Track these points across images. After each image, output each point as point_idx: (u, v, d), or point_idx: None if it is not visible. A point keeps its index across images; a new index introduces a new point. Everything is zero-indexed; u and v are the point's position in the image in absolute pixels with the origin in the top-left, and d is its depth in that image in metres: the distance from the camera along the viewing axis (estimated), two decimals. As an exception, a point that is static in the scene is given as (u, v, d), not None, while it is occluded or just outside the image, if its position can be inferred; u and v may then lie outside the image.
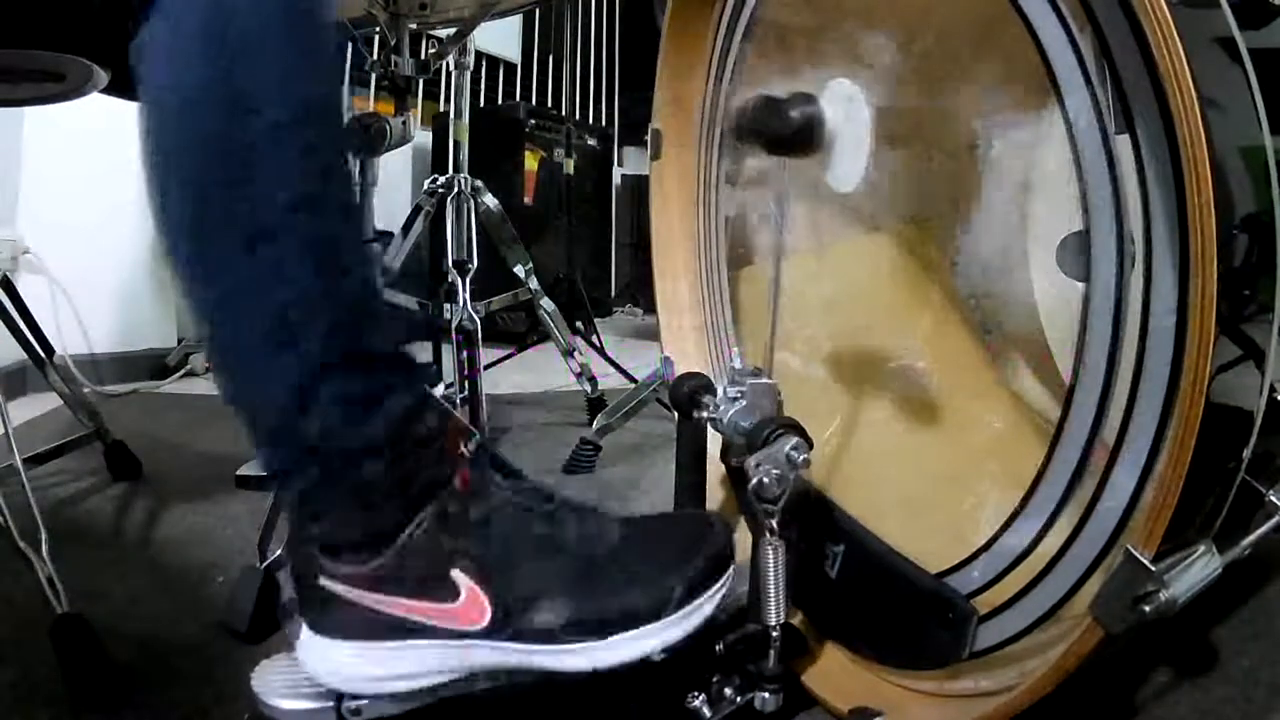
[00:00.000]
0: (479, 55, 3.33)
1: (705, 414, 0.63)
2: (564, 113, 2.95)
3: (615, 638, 0.51)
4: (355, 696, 0.53)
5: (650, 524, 0.59)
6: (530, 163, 3.05)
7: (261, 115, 0.47)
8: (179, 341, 2.09)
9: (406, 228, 1.47)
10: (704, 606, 0.53)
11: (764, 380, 0.61)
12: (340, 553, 0.52)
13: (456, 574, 0.52)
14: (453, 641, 0.52)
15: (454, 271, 1.38)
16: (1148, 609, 0.42)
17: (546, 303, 1.60)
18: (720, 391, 0.62)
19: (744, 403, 0.60)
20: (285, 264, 0.48)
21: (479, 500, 0.53)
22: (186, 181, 0.48)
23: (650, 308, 1.43)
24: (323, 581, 0.52)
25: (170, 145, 0.48)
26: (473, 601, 0.52)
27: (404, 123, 1.23)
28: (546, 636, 0.52)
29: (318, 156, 0.49)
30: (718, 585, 0.54)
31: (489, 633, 0.52)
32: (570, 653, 0.52)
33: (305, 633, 0.54)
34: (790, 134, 0.64)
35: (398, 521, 0.52)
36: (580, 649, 0.51)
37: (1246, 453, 0.45)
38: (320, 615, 0.53)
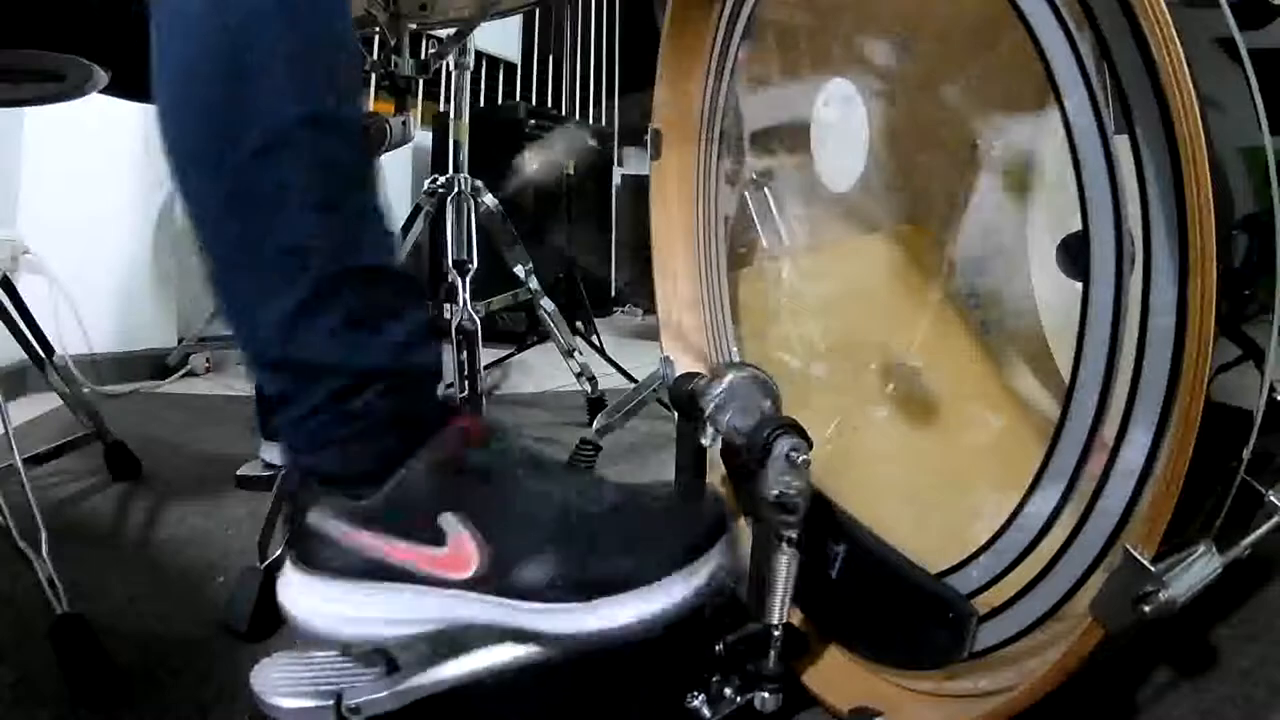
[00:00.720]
0: (479, 55, 3.33)
1: (705, 414, 0.63)
2: (564, 113, 2.95)
3: (602, 600, 0.50)
4: (355, 693, 0.53)
5: (646, 490, 0.58)
6: (530, 163, 3.04)
7: (269, 43, 0.47)
8: (179, 341, 2.09)
9: (406, 228, 1.47)
10: (698, 574, 0.51)
11: (764, 380, 0.61)
12: (334, 485, 0.51)
13: (447, 520, 0.51)
14: (436, 589, 0.51)
15: (454, 271, 1.38)
16: (1148, 609, 0.42)
17: (546, 303, 1.60)
18: (720, 391, 0.62)
19: (743, 403, 0.60)
20: (289, 176, 0.48)
21: (477, 450, 0.52)
22: (191, 97, 0.48)
23: (650, 308, 1.43)
24: (311, 516, 0.51)
25: (177, 56, 0.48)
26: (460, 550, 0.50)
27: (404, 123, 1.22)
28: (532, 594, 0.50)
29: (328, 76, 0.49)
30: (710, 555, 0.52)
31: (474, 584, 0.51)
32: (555, 613, 0.50)
33: (289, 569, 0.53)
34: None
35: (392, 457, 0.51)
36: (565, 610, 0.50)
37: (1246, 453, 0.45)
38: (306, 551, 0.52)
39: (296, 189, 0.48)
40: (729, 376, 0.62)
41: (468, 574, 0.51)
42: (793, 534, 0.56)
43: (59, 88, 0.89)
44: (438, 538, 0.51)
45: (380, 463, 0.51)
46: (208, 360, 2.07)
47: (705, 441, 0.63)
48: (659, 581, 0.50)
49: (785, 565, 0.56)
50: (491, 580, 0.51)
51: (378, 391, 0.50)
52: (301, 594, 0.52)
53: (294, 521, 0.53)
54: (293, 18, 0.48)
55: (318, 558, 0.52)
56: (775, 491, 0.55)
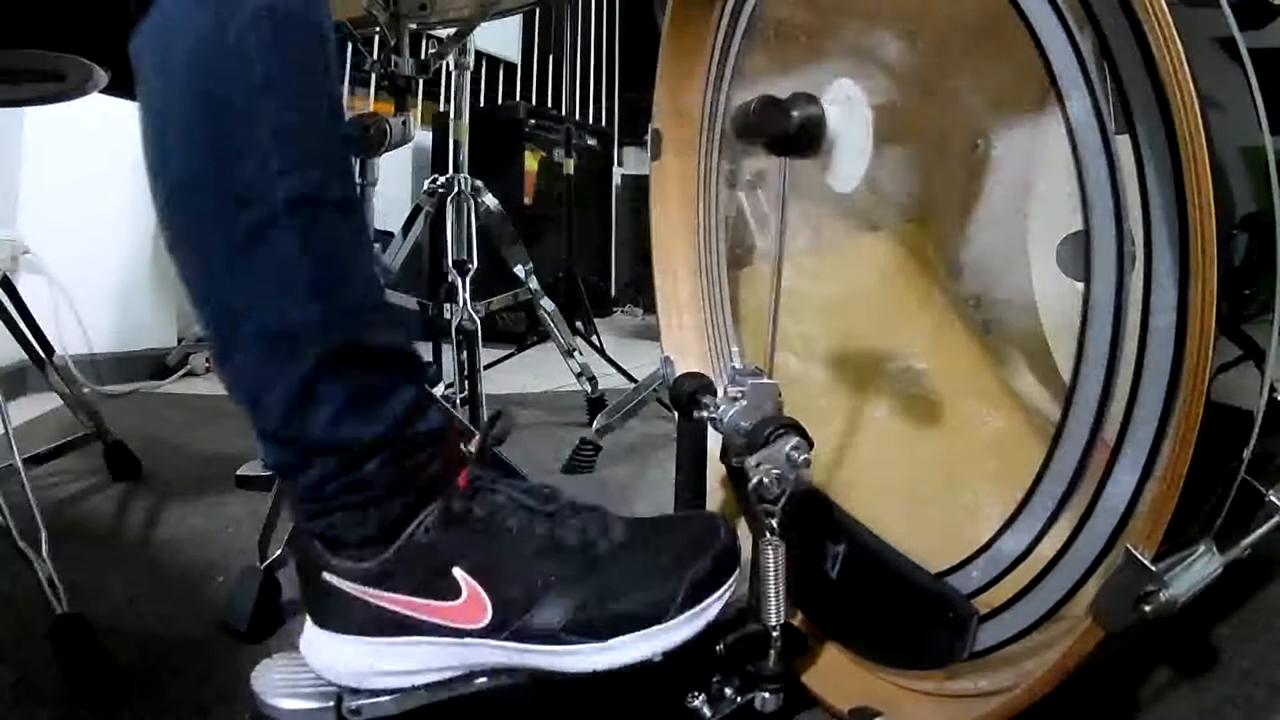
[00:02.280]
0: (479, 55, 3.33)
1: (705, 414, 0.63)
2: (564, 113, 2.95)
3: (616, 640, 0.51)
4: (356, 695, 0.53)
5: (654, 525, 0.59)
6: (530, 163, 3.05)
7: (257, 118, 0.47)
8: (179, 341, 2.09)
9: (406, 228, 1.47)
10: (708, 611, 0.53)
11: (764, 380, 0.61)
12: (342, 549, 0.52)
13: (458, 573, 0.52)
14: (453, 640, 0.52)
15: (454, 271, 1.38)
16: (1148, 609, 0.42)
17: (546, 303, 1.60)
18: (720, 391, 0.62)
19: (744, 403, 0.60)
20: (285, 261, 0.48)
21: (481, 500, 0.53)
22: (184, 181, 0.48)
23: (650, 308, 1.43)
24: (325, 577, 0.52)
25: (168, 147, 0.48)
26: (473, 600, 0.52)
27: (404, 123, 1.23)
28: (546, 637, 0.52)
29: (317, 155, 0.49)
30: (723, 589, 0.53)
31: (489, 632, 0.52)
32: (570, 654, 0.51)
33: (309, 627, 0.54)
34: (792, 134, 0.64)
35: (400, 519, 0.52)
36: (580, 651, 0.51)
37: (1247, 452, 0.45)
38: (323, 610, 0.54)
39: (292, 269, 0.48)
40: (730, 377, 0.62)
41: (483, 623, 0.52)
42: (774, 522, 0.56)
43: (59, 88, 0.89)
44: (451, 590, 0.52)
45: (387, 524, 0.52)
46: (208, 360, 2.07)
47: (704, 439, 0.63)
48: (672, 621, 0.52)
49: (773, 558, 0.56)
50: (506, 626, 0.52)
51: (382, 461, 0.51)
52: (325, 652, 0.54)
53: (307, 583, 0.54)
54: (283, 94, 0.48)
55: (335, 616, 0.53)
56: (757, 480, 0.55)
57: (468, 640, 0.52)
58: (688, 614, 0.52)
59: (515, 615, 0.52)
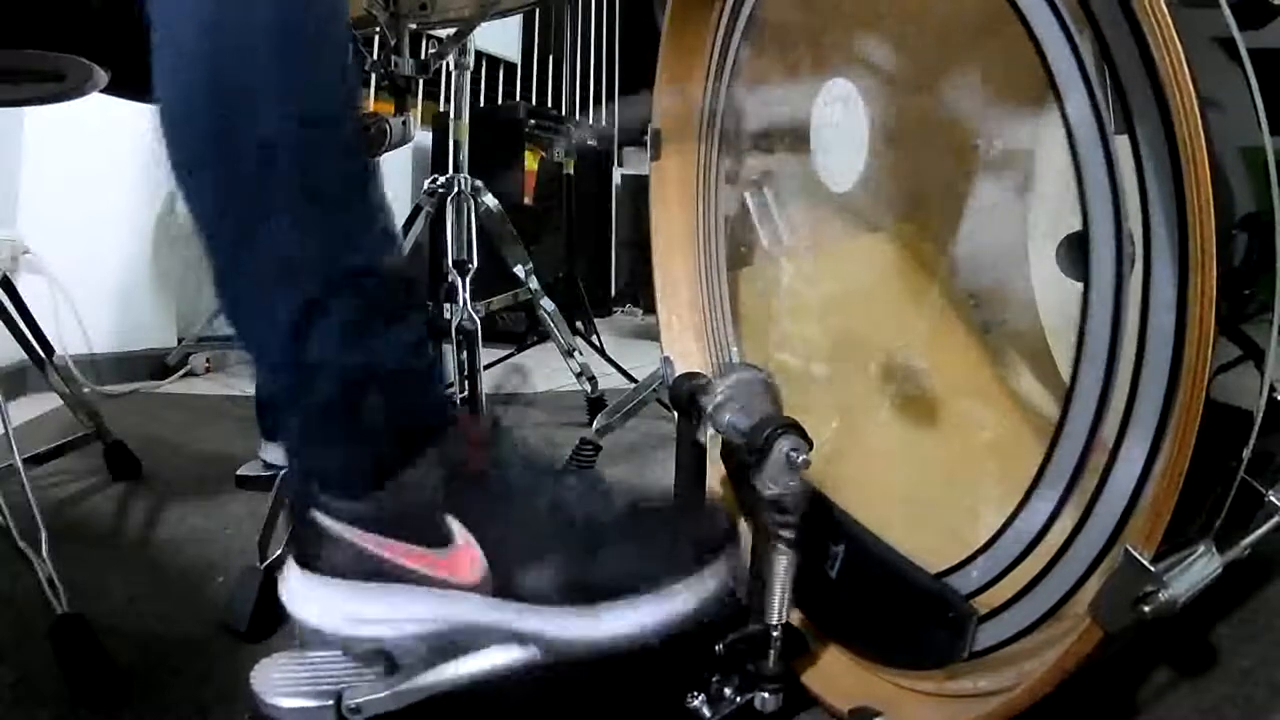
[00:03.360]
0: (479, 55, 3.33)
1: (705, 414, 0.63)
2: (564, 113, 2.95)
3: (608, 608, 0.50)
4: (355, 693, 0.53)
5: (654, 502, 0.58)
6: (530, 163, 3.05)
7: (261, 50, 0.47)
8: (179, 341, 2.09)
9: (406, 228, 1.47)
10: (702, 587, 0.52)
11: (763, 380, 0.61)
12: (336, 487, 0.51)
13: (452, 523, 0.51)
14: (440, 591, 0.51)
15: (454, 271, 1.38)
16: (1148, 609, 0.42)
17: (546, 303, 1.60)
18: (720, 391, 0.62)
19: (744, 403, 0.60)
20: (289, 180, 0.48)
21: (483, 455, 0.53)
22: (189, 108, 0.48)
23: (650, 308, 1.43)
24: (315, 516, 0.51)
25: (176, 91, 0.49)
26: (465, 553, 0.51)
27: (404, 123, 1.22)
28: (537, 599, 0.50)
29: (326, 86, 0.50)
30: (717, 567, 0.52)
31: (478, 587, 0.51)
32: (559, 618, 0.50)
33: (292, 568, 0.53)
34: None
35: (396, 459, 0.51)
36: (570, 615, 0.50)
37: (1246, 452, 0.45)
38: (309, 550, 0.52)
39: (296, 192, 0.48)
40: (730, 376, 0.62)
41: (471, 577, 0.51)
42: (789, 534, 0.56)
43: (59, 88, 0.89)
44: (441, 541, 0.51)
45: (382, 465, 0.51)
46: (208, 360, 2.07)
47: (703, 439, 0.63)
48: (664, 591, 0.50)
49: (783, 565, 0.56)
50: (495, 583, 0.51)
51: (382, 393, 0.50)
52: (303, 593, 0.53)
53: (295, 521, 0.53)
54: (290, 41, 0.48)
55: (320, 558, 0.52)
56: (771, 491, 0.55)
57: (454, 594, 0.51)
58: (682, 588, 0.51)
59: (507, 574, 0.50)
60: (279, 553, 0.76)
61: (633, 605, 0.50)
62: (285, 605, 0.53)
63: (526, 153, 3.03)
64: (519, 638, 0.52)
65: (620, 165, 3.84)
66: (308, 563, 0.53)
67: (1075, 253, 0.50)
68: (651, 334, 1.03)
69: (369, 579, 0.52)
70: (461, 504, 0.51)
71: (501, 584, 0.51)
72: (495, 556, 0.51)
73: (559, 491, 0.54)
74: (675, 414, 0.66)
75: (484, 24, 1.47)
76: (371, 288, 0.50)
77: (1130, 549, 0.43)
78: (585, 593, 0.50)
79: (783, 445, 0.56)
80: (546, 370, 1.98)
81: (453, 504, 0.51)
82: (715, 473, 0.67)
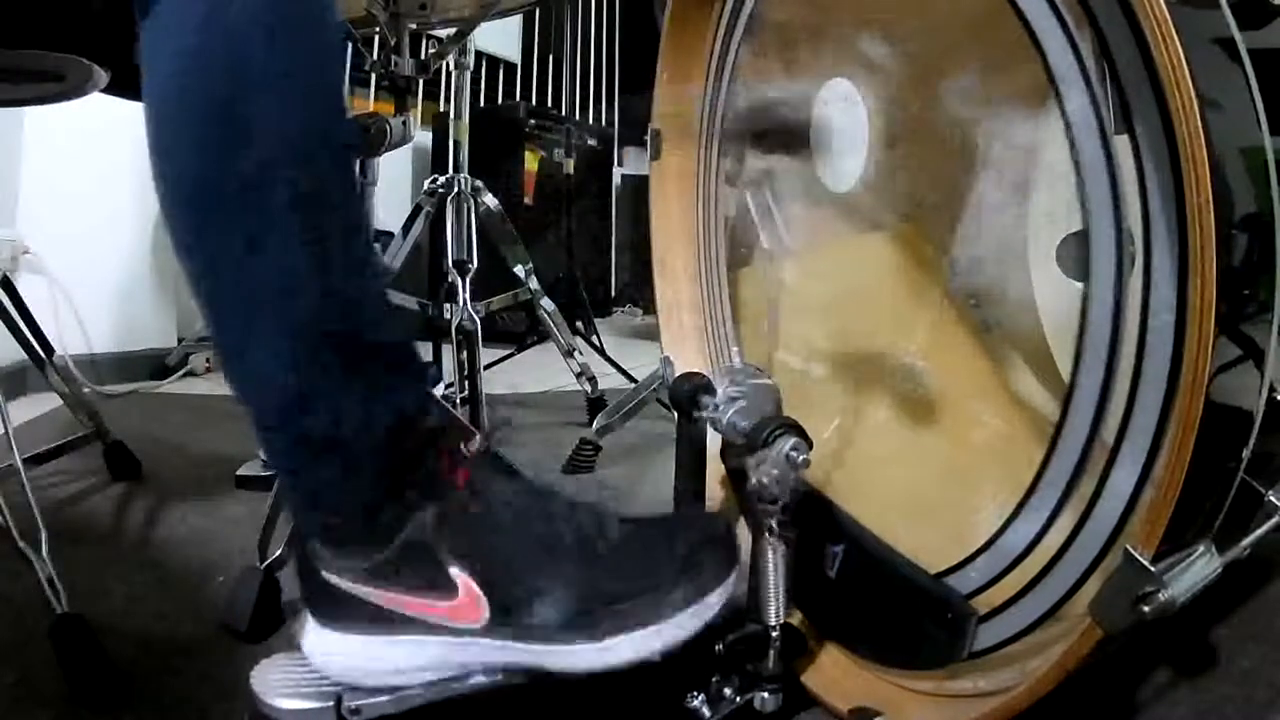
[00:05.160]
0: (479, 55, 3.33)
1: (705, 414, 0.63)
2: (564, 113, 2.95)
3: (612, 640, 0.51)
4: (355, 695, 0.53)
5: (653, 525, 0.58)
6: (530, 163, 3.05)
7: (256, 113, 0.46)
8: (179, 341, 2.09)
9: (406, 228, 1.47)
10: (705, 611, 0.52)
11: (764, 380, 0.61)
12: (341, 546, 0.52)
13: (455, 571, 0.52)
14: (450, 638, 0.52)
15: (454, 271, 1.38)
16: (1147, 609, 0.42)
17: (546, 303, 1.60)
18: (720, 391, 0.62)
19: (744, 403, 0.60)
20: (285, 260, 0.48)
21: (479, 499, 0.53)
22: (185, 178, 0.48)
23: (650, 308, 1.43)
24: (324, 574, 0.53)
25: (169, 145, 0.48)
26: (470, 598, 0.51)
27: (404, 123, 1.22)
28: (543, 635, 0.51)
29: (318, 154, 0.49)
30: (720, 589, 0.53)
31: (485, 631, 0.52)
32: (567, 653, 0.51)
33: (310, 624, 0.54)
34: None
35: (398, 518, 0.52)
36: (577, 649, 0.51)
37: (1246, 453, 0.45)
38: (323, 607, 0.54)
39: (294, 266, 0.48)
40: (730, 377, 0.62)
41: (480, 621, 0.52)
42: (776, 525, 0.56)
43: (59, 88, 0.89)
44: (448, 589, 0.52)
45: (385, 524, 0.52)
46: (208, 360, 2.07)
47: (703, 438, 0.63)
48: (670, 620, 0.51)
49: (772, 558, 0.56)
50: (502, 625, 0.52)
51: (382, 460, 0.51)
52: (323, 647, 0.54)
53: (306, 580, 0.54)
54: (283, 88, 0.47)
55: (335, 613, 0.53)
56: (770, 491, 0.55)
57: (465, 639, 0.52)
58: (686, 614, 0.51)
59: (512, 614, 0.51)
60: (279, 553, 0.76)
61: (640, 636, 0.51)
62: (310, 658, 0.54)
63: (526, 153, 3.03)
64: (530, 672, 0.53)
65: (620, 165, 3.84)
66: (325, 619, 0.54)
67: (1075, 252, 0.50)
68: (651, 334, 1.03)
69: (383, 631, 0.53)
70: (466, 548, 0.52)
71: (510, 624, 0.52)
72: (501, 597, 0.52)
73: (558, 524, 0.54)
74: (675, 414, 0.66)
75: (484, 24, 1.47)
76: (372, 355, 0.51)
77: (1130, 549, 0.43)
78: (592, 628, 0.51)
79: (783, 445, 0.56)
80: (547, 370, 1.98)
81: (458, 550, 0.52)
82: (715, 473, 0.67)
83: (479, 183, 1.49)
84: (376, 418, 0.51)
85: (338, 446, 0.50)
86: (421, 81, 1.59)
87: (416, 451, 0.52)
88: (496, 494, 0.54)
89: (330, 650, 0.54)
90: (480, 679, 0.54)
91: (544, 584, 0.52)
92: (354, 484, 0.51)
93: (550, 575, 0.52)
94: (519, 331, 2.28)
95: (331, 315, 0.49)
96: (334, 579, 0.52)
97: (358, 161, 1.24)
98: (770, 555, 0.56)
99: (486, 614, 0.52)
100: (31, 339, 1.13)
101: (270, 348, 0.49)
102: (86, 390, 1.48)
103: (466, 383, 1.30)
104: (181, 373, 2.03)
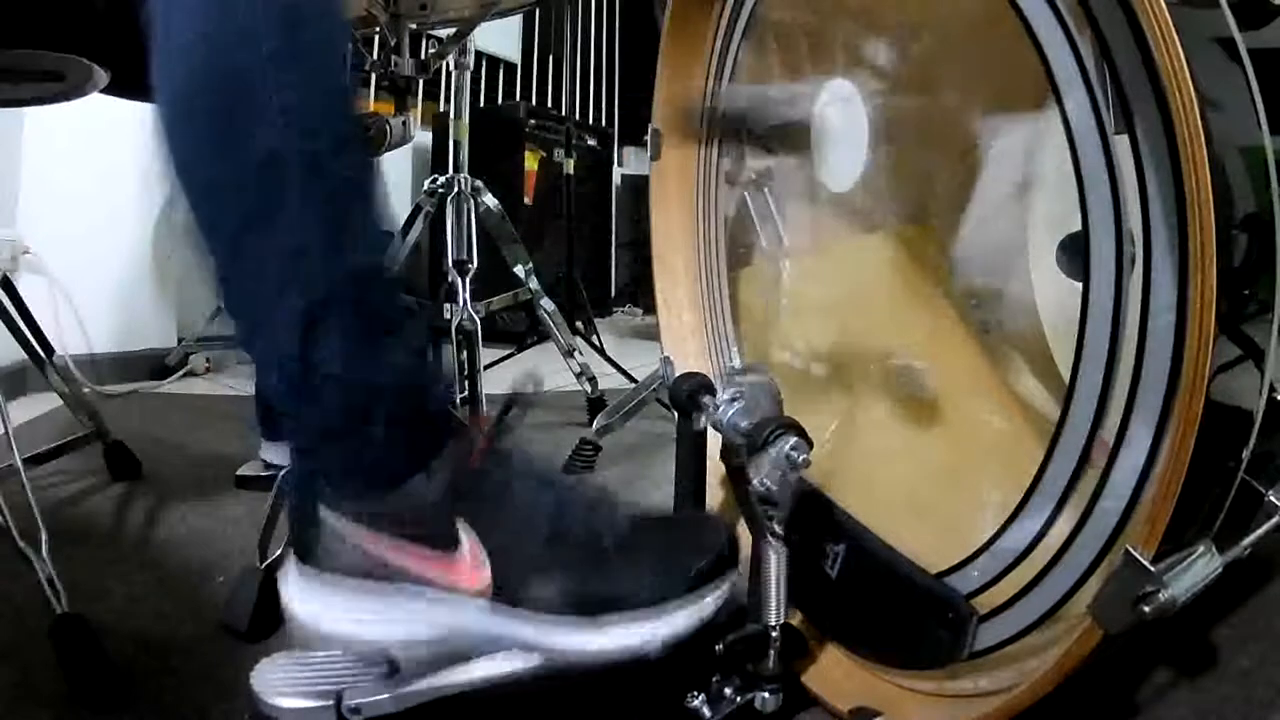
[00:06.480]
0: (479, 55, 3.33)
1: (705, 414, 0.63)
2: (564, 113, 2.95)
3: (609, 622, 0.51)
4: (355, 694, 0.53)
5: (656, 522, 0.59)
6: (530, 163, 3.05)
7: (265, 95, 0.47)
8: (179, 341, 2.09)
9: (406, 228, 1.47)
10: (704, 606, 0.53)
11: (764, 380, 0.61)
12: (346, 487, 0.51)
13: (461, 529, 0.51)
14: (445, 595, 0.51)
15: (454, 271, 1.38)
16: (1147, 609, 0.42)
17: (546, 303, 1.60)
18: (720, 391, 0.62)
19: (743, 403, 0.60)
20: (290, 195, 0.48)
21: (494, 467, 0.53)
22: (193, 113, 0.49)
23: (650, 308, 1.43)
24: (322, 512, 0.51)
25: (177, 89, 0.49)
26: (473, 559, 0.51)
27: (404, 123, 1.23)
28: (541, 608, 0.51)
29: (320, 90, 0.49)
30: (720, 587, 0.53)
31: (483, 594, 0.51)
32: (562, 630, 0.50)
33: (292, 565, 0.53)
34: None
35: (403, 471, 0.51)
36: (573, 627, 0.50)
37: (1246, 452, 0.45)
38: (312, 547, 0.52)
39: (299, 190, 0.48)
40: (730, 377, 0.62)
41: (479, 584, 0.51)
42: (778, 527, 0.56)
43: (59, 88, 0.89)
44: (451, 545, 0.51)
45: (390, 473, 0.51)
46: (208, 360, 2.07)
47: (703, 438, 0.63)
48: (668, 611, 0.51)
49: (774, 560, 0.56)
50: (501, 591, 0.51)
51: (389, 408, 0.50)
52: (303, 591, 0.52)
53: (298, 518, 0.53)
54: (293, 55, 0.48)
55: (322, 555, 0.52)
56: (770, 491, 0.55)
57: (460, 599, 0.51)
58: (685, 607, 0.51)
59: (512, 582, 0.51)
60: (279, 553, 0.76)
61: (636, 620, 0.51)
62: (285, 602, 0.53)
63: (526, 153, 3.03)
64: (521, 646, 0.52)
65: (620, 165, 3.84)
66: (309, 559, 0.52)
67: (1075, 253, 0.50)
68: (651, 334, 1.03)
69: (374, 579, 0.51)
70: (473, 510, 0.51)
71: (508, 591, 0.51)
72: (503, 564, 0.51)
73: (565, 501, 0.54)
74: (675, 414, 0.66)
75: (484, 24, 1.47)
76: (374, 291, 0.51)
77: (1130, 549, 0.43)
78: (590, 605, 0.51)
79: (783, 445, 0.56)
80: (546, 370, 1.97)
81: (464, 509, 0.51)
82: (715, 473, 0.67)
83: (479, 182, 1.49)
84: (384, 364, 0.50)
85: (344, 385, 0.50)
86: (421, 81, 1.59)
87: (424, 407, 0.52)
88: (513, 465, 0.54)
89: (313, 593, 0.52)
90: (479, 670, 0.53)
91: (547, 556, 0.51)
92: (358, 430, 0.50)
93: (555, 552, 0.52)
94: (519, 331, 2.28)
95: (337, 242, 0.49)
96: (330, 518, 0.51)
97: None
98: (770, 555, 0.56)
99: (485, 576, 0.51)
100: (31, 339, 1.13)
101: (275, 279, 0.49)
102: (86, 390, 1.48)
103: (466, 383, 1.30)
104: (181, 373, 2.03)
